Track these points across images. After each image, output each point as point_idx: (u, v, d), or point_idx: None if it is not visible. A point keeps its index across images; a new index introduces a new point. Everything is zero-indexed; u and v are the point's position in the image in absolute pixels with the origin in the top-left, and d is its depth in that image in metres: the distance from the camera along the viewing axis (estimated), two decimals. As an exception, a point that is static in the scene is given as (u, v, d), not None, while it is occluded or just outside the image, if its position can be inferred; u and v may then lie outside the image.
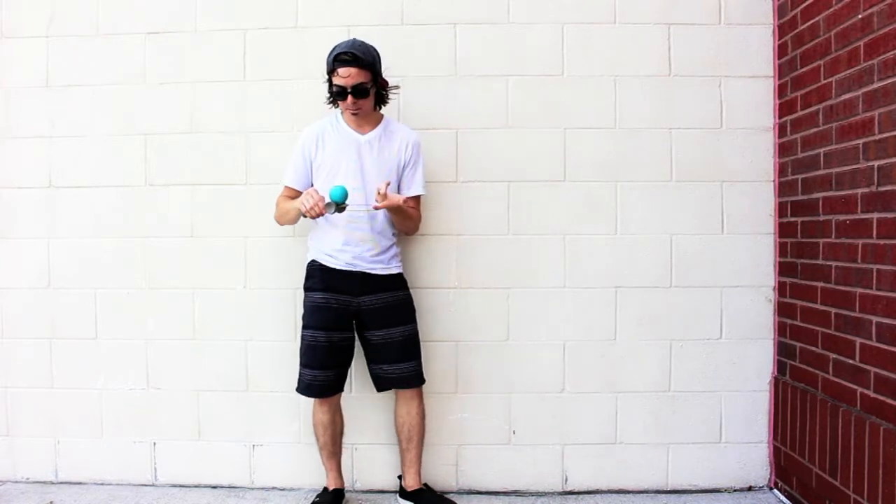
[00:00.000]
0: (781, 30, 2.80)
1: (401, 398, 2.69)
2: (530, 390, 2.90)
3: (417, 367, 2.66)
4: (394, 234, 2.67)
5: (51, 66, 2.96)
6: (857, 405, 2.27)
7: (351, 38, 2.56)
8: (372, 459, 2.92)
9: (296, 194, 2.61)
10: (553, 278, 2.89)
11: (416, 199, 2.67)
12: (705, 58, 2.85)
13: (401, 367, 2.62)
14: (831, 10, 2.44)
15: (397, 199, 2.50)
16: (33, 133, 2.97)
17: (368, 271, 2.58)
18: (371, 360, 2.67)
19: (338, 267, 2.58)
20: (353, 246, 2.57)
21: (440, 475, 2.89)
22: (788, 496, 2.74)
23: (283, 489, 2.94)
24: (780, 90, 2.83)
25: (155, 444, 2.98)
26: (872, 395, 2.19)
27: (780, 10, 2.81)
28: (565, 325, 2.89)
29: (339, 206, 2.40)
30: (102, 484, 2.98)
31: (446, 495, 2.77)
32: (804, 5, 2.61)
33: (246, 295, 2.94)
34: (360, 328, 2.64)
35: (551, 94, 2.88)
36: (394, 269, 2.65)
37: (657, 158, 2.87)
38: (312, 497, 2.77)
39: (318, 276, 2.60)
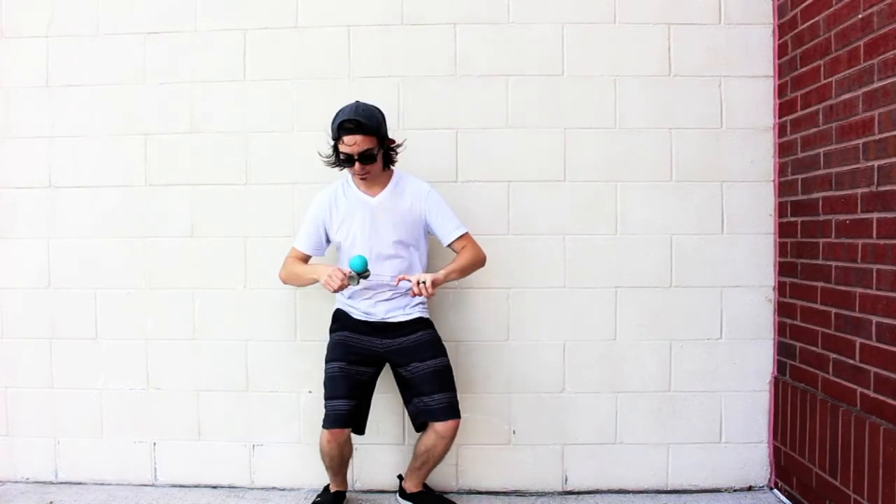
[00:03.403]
0: (781, 30, 2.80)
1: (433, 431, 2.49)
2: (530, 390, 2.90)
3: (452, 399, 2.50)
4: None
5: (51, 66, 2.96)
6: (857, 405, 2.27)
7: (354, 101, 2.45)
8: (372, 459, 2.92)
9: (303, 256, 2.60)
10: (553, 278, 2.89)
11: (462, 237, 2.57)
12: (705, 58, 2.85)
13: (433, 399, 2.47)
14: (831, 9, 2.43)
15: (436, 278, 2.38)
16: (33, 133, 2.97)
17: (388, 320, 2.56)
18: (408, 400, 2.56)
19: (359, 318, 2.58)
20: (372, 299, 2.55)
21: (440, 475, 2.88)
22: (788, 496, 2.74)
23: (283, 489, 2.94)
24: (780, 90, 2.83)
25: (155, 444, 2.98)
26: (872, 395, 2.19)
27: (780, 10, 2.81)
28: (565, 325, 2.89)
29: (361, 274, 2.37)
30: (102, 484, 2.97)
31: (446, 495, 2.77)
32: (804, 5, 2.61)
33: (246, 295, 2.94)
34: (393, 367, 2.59)
35: (551, 94, 2.88)
36: (415, 313, 2.59)
37: (657, 158, 2.87)
38: (313, 497, 2.77)
39: (342, 321, 2.61)
